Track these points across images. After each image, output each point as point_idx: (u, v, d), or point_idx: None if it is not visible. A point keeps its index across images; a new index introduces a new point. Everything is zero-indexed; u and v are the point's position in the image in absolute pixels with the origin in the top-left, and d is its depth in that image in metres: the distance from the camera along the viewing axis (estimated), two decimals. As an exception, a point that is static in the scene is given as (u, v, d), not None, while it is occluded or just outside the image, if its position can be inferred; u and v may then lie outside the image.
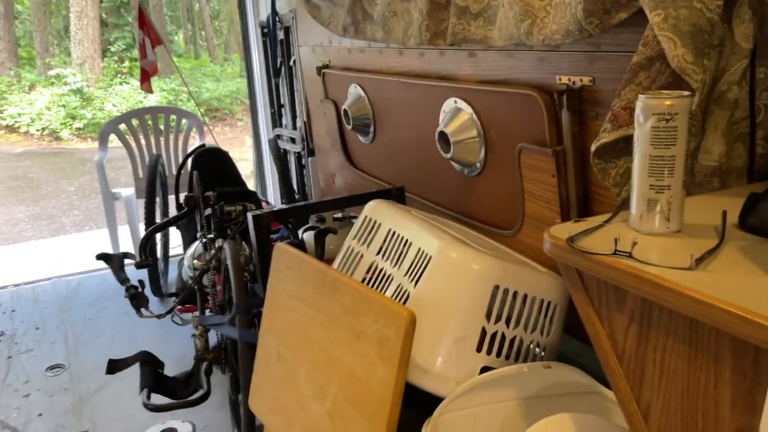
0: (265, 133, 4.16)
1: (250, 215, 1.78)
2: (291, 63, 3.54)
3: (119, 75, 14.30)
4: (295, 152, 3.73)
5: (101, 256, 2.19)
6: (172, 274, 3.56)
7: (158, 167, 3.29)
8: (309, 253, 2.30)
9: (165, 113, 3.96)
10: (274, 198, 4.31)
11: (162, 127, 3.99)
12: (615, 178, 1.06)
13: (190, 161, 2.96)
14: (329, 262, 2.33)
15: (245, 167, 9.29)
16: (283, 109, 3.86)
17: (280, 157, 3.56)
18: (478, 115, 1.64)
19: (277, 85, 3.83)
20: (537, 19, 1.23)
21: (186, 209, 2.42)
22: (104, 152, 3.90)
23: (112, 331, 3.05)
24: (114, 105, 12.13)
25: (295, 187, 3.74)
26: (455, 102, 1.70)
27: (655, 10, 0.92)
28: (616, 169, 1.05)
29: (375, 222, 1.58)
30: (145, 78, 3.58)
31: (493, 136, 1.61)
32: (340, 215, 2.96)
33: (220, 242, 2.24)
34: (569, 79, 1.32)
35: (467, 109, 1.67)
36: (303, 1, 2.57)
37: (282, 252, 1.49)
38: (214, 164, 3.00)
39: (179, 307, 2.46)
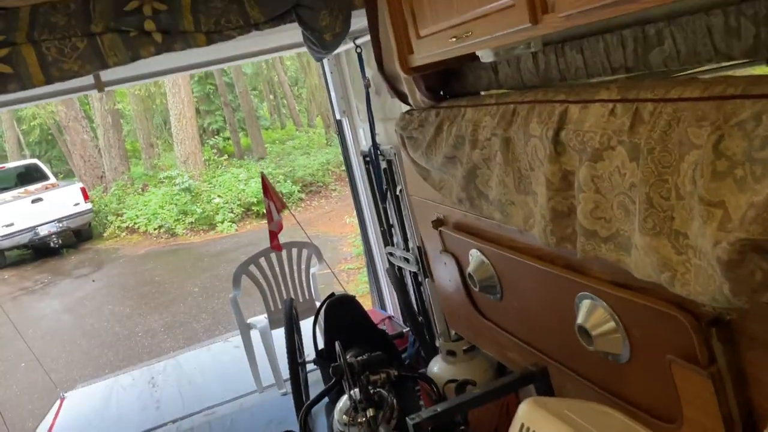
0: (377, 248, 4.35)
1: (410, 423, 1.90)
2: (397, 192, 3.70)
3: (219, 166, 15.27)
4: (410, 271, 3.87)
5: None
6: (321, 418, 3.75)
7: (293, 312, 3.52)
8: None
9: (286, 248, 4.24)
10: (392, 308, 4.47)
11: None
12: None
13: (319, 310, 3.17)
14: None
15: (351, 242, 9.60)
16: (392, 229, 4.03)
17: (399, 283, 3.71)
18: (616, 313, 1.69)
19: (384, 208, 4.01)
20: (677, 273, 1.29)
21: (334, 380, 2.60)
22: (238, 291, 4.22)
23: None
24: (220, 196, 12.96)
25: (414, 305, 3.87)
26: (590, 299, 1.76)
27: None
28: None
29: None
30: (273, 237, 3.88)
31: (638, 335, 1.65)
32: (466, 347, 3.05)
33: (371, 413, 2.40)
34: (714, 309, 1.36)
35: (603, 305, 1.73)
36: (411, 163, 2.72)
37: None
38: (344, 311, 3.20)
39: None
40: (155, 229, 13.06)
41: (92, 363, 7.16)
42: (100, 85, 2.58)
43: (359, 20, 2.73)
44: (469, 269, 2.42)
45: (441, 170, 2.44)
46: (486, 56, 1.91)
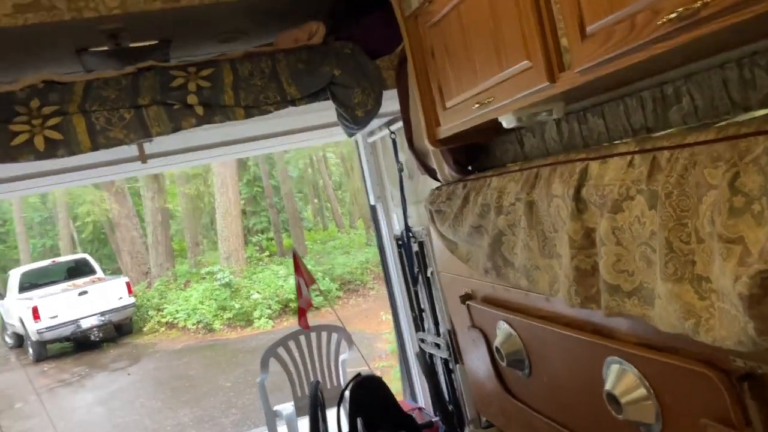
0: (408, 336, 4.26)
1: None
2: (428, 274, 3.69)
3: (260, 263, 15.51)
4: (441, 357, 3.76)
5: None
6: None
7: (318, 394, 3.44)
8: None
9: (316, 331, 4.20)
10: (422, 399, 4.31)
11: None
12: None
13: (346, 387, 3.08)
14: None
15: (386, 339, 9.42)
16: (423, 313, 3.97)
17: (429, 371, 3.60)
18: (645, 377, 1.61)
19: (416, 292, 3.98)
20: (701, 319, 1.23)
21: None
22: (266, 374, 4.16)
23: None
24: (258, 292, 13.05)
25: (445, 392, 3.73)
26: (619, 363, 1.68)
27: None
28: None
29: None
30: (302, 314, 3.88)
31: (669, 400, 1.55)
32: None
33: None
34: (745, 363, 1.28)
35: (632, 370, 1.64)
36: (439, 237, 2.73)
37: None
38: (370, 393, 3.10)
39: None
40: (194, 325, 13.11)
41: (119, 456, 7.02)
42: (143, 157, 2.72)
43: (393, 103, 2.85)
44: (496, 342, 2.35)
45: (468, 241, 2.44)
46: (508, 122, 1.95)
